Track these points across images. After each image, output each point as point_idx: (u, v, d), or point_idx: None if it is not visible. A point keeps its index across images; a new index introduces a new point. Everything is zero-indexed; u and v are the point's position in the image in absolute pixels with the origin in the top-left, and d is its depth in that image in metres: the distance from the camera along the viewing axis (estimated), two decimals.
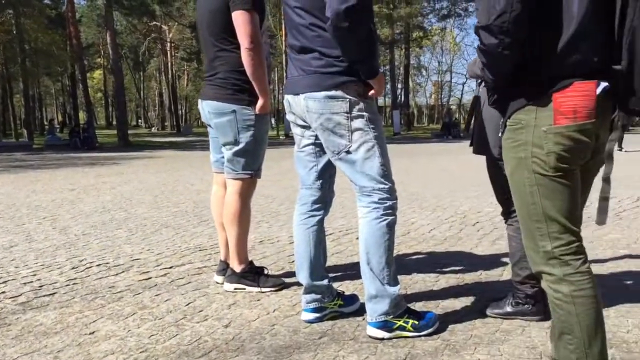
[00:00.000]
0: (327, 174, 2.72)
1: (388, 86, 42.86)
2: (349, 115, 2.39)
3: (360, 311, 2.74)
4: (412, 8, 34.67)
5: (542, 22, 1.63)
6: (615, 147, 1.79)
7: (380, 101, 57.12)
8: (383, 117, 55.10)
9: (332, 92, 2.37)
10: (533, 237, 1.76)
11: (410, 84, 52.20)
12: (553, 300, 1.74)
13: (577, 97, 1.63)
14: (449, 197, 6.93)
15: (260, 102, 3.03)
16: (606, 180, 1.71)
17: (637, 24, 1.58)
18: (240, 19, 2.88)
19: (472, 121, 2.77)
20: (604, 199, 1.71)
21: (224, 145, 3.15)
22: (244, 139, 3.08)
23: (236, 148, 3.10)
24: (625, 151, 14.84)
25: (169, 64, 49.98)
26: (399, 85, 46.20)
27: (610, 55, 1.64)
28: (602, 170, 1.80)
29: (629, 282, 3.24)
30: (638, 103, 1.64)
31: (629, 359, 2.22)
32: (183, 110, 65.77)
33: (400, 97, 45.09)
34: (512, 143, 1.75)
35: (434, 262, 3.81)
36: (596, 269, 3.47)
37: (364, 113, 2.41)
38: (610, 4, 1.62)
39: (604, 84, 1.63)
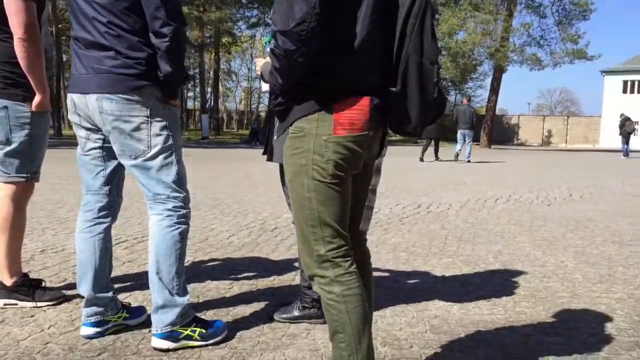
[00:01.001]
0: (115, 180, 2.58)
1: (197, 89, 42.21)
2: (149, 119, 2.31)
3: (147, 323, 2.62)
4: (222, 13, 34.62)
5: (331, 37, 1.71)
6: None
7: (190, 104, 56.18)
8: (192, 120, 54.23)
9: (131, 95, 2.27)
10: (308, 241, 1.83)
11: (220, 88, 52.10)
12: (326, 301, 1.82)
13: (354, 110, 1.74)
14: (251, 203, 7.00)
15: (37, 99, 2.76)
16: (372, 191, 1.83)
17: (411, 53, 1.74)
18: (12, 7, 2.59)
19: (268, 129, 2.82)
20: (368, 208, 1.83)
21: None
22: (17, 138, 2.78)
23: (8, 148, 2.79)
24: (422, 161, 16.56)
25: None
26: (209, 90, 45.85)
27: (387, 77, 1.78)
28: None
29: (406, 283, 3.53)
30: (414, 128, 1.81)
31: (399, 356, 2.41)
32: None
33: (210, 101, 44.76)
34: (294, 150, 1.80)
35: (229, 268, 3.80)
36: (379, 272, 3.74)
37: (165, 119, 2.36)
38: (392, 29, 1.76)
39: (376, 100, 1.76)
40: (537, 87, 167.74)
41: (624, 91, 48.25)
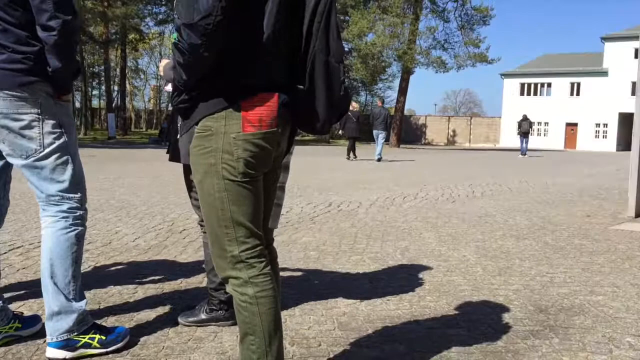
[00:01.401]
0: (1, 181, 2.41)
1: (103, 88, 40.52)
2: (40, 117, 2.18)
3: (42, 333, 2.47)
4: (128, 8, 33.44)
5: (238, 33, 1.67)
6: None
7: (95, 103, 53.91)
8: (98, 120, 52.06)
9: (20, 92, 2.14)
10: (220, 242, 1.78)
11: (128, 87, 50.35)
12: (239, 303, 1.78)
13: (262, 107, 1.71)
14: (159, 204, 6.80)
15: None
16: (281, 188, 1.81)
17: (317, 51, 1.74)
18: None
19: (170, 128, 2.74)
20: (277, 205, 1.81)
21: None
22: None
23: None
24: (355, 159, 17.71)
25: None
26: (115, 88, 44.12)
27: (295, 75, 1.77)
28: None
29: (315, 282, 3.54)
30: (322, 126, 1.81)
31: (307, 354, 2.40)
32: None
33: (117, 100, 43.20)
34: (202, 150, 1.75)
35: (134, 272, 3.66)
36: (289, 271, 3.73)
37: (57, 116, 2.24)
38: (299, 27, 1.75)
39: (284, 97, 1.75)
40: (442, 88, 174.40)
41: (522, 93, 51.19)
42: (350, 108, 24.37)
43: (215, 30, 1.60)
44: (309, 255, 4.27)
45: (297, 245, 4.59)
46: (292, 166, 2.33)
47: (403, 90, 35.21)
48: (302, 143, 33.51)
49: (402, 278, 3.67)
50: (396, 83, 41.85)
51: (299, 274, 3.72)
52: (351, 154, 18.04)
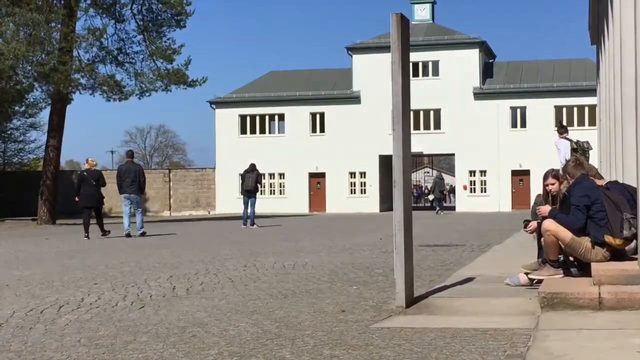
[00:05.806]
0: None
1: None
2: None
3: None
4: None
5: None
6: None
7: None
8: None
9: None
10: None
11: None
12: None
13: None
14: None
15: None
16: None
17: None
18: None
19: None
20: None
21: None
22: None
23: None
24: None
25: None
26: None
27: None
28: None
29: None
30: None
31: None
32: None
33: None
34: None
35: None
36: None
37: None
38: None
39: None
40: (122, 126, 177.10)
41: (243, 131, 54.21)
42: (85, 166, 25.04)
43: None
44: None
45: None
46: None
47: (56, 130, 34.69)
48: None
49: None
50: (44, 118, 41.10)
51: None
52: (88, 230, 19.56)
